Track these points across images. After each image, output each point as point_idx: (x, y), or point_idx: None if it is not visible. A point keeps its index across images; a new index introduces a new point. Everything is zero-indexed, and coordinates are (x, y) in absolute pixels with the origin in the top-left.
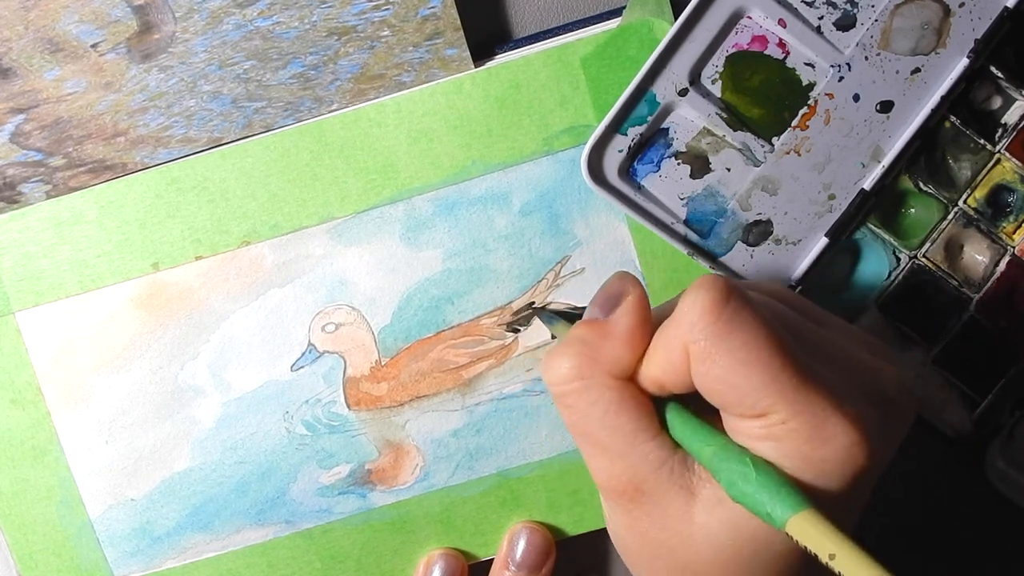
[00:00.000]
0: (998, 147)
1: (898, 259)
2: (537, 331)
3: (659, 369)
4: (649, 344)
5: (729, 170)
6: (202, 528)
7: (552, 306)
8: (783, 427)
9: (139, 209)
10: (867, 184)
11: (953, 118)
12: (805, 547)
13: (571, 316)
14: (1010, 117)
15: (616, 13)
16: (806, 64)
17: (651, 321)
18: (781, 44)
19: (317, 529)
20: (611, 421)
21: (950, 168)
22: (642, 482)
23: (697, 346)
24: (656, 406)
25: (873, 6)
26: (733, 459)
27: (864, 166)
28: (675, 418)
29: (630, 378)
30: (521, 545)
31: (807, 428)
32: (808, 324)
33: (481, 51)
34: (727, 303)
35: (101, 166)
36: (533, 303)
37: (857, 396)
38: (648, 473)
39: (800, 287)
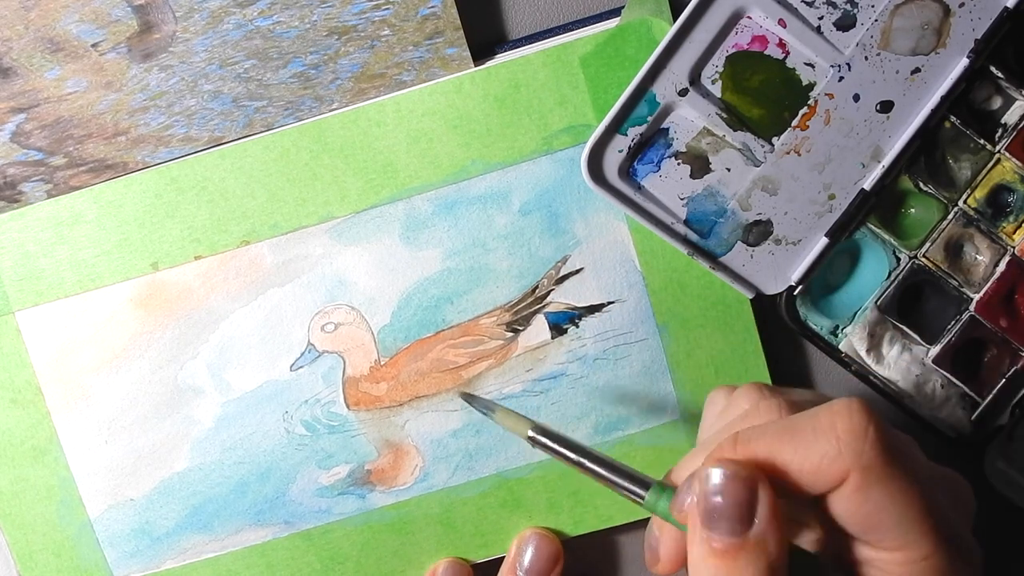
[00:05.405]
0: (998, 147)
1: (898, 259)
2: (537, 331)
3: (810, 478)
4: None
5: (729, 170)
6: (201, 528)
7: (552, 306)
8: (924, 563)
9: (139, 209)
10: (867, 184)
11: (953, 118)
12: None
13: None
14: (1010, 117)
15: (615, 13)
16: (806, 64)
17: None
18: (781, 44)
19: (317, 530)
20: None
21: (950, 168)
22: None
23: (862, 473)
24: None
25: (873, 6)
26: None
27: (864, 166)
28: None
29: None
30: (529, 552)
31: (945, 562)
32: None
33: (481, 51)
34: (889, 438)
35: (102, 165)
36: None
37: (956, 513)
38: None
39: (800, 287)
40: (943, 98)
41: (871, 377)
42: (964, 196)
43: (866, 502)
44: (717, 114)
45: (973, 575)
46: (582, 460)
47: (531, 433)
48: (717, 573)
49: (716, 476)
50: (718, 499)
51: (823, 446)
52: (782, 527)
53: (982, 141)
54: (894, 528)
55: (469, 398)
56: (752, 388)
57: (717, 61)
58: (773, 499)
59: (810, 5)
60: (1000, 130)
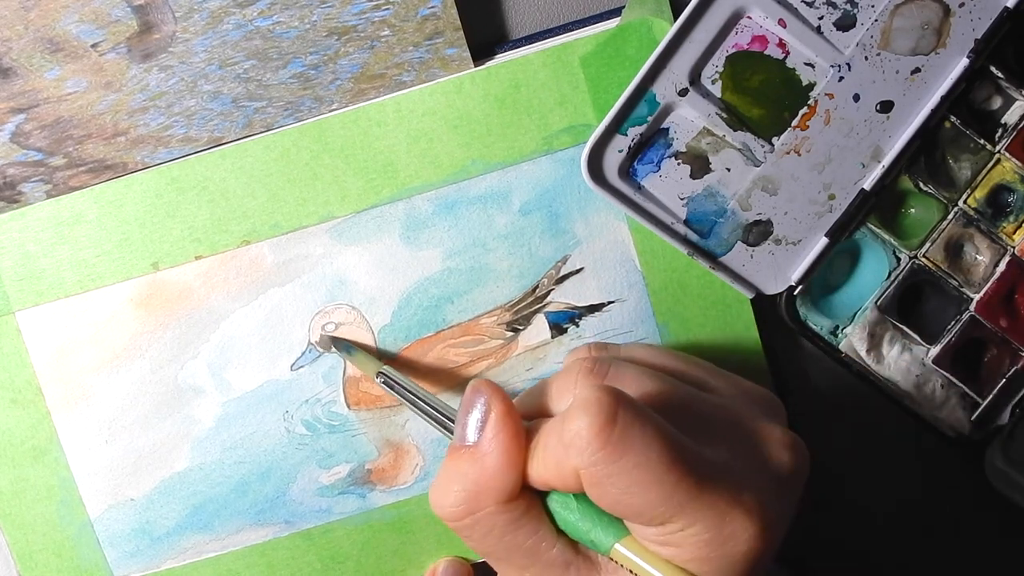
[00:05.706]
0: (998, 147)
1: (898, 259)
2: (537, 330)
3: (551, 479)
4: (528, 448)
5: (729, 170)
6: (202, 528)
7: (552, 306)
8: (682, 534)
9: (139, 209)
10: (867, 184)
11: (953, 118)
12: (630, 571)
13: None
14: (1010, 117)
15: (615, 13)
16: (806, 64)
17: (522, 429)
18: (781, 44)
19: (317, 529)
20: (510, 541)
21: (950, 168)
22: None
23: (588, 472)
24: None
25: (873, 6)
26: (558, 494)
27: (864, 166)
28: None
29: (519, 488)
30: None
31: (707, 532)
32: (694, 394)
33: (481, 51)
34: (614, 425)
35: (101, 166)
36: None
37: (752, 473)
38: None
39: (800, 287)
40: (943, 98)
41: (871, 377)
42: (964, 196)
43: (602, 496)
44: (717, 114)
45: (758, 535)
46: (416, 401)
47: (379, 374)
48: (443, 467)
49: (467, 390)
50: (462, 409)
51: (556, 453)
52: (505, 451)
53: (982, 141)
54: (641, 511)
55: (335, 341)
56: (581, 350)
57: (717, 61)
58: (501, 423)
59: (810, 5)
60: (1000, 130)
